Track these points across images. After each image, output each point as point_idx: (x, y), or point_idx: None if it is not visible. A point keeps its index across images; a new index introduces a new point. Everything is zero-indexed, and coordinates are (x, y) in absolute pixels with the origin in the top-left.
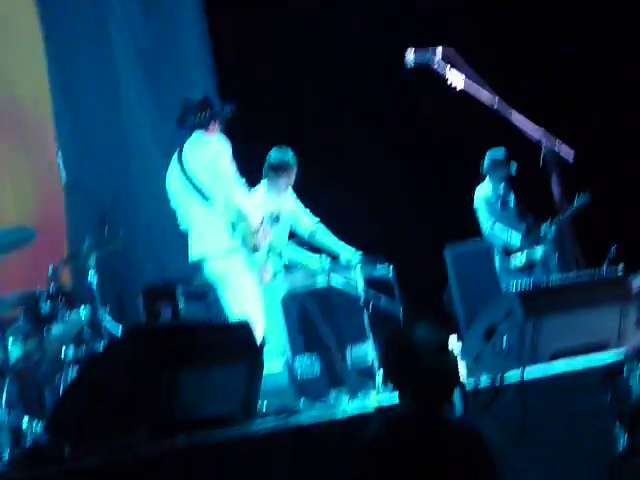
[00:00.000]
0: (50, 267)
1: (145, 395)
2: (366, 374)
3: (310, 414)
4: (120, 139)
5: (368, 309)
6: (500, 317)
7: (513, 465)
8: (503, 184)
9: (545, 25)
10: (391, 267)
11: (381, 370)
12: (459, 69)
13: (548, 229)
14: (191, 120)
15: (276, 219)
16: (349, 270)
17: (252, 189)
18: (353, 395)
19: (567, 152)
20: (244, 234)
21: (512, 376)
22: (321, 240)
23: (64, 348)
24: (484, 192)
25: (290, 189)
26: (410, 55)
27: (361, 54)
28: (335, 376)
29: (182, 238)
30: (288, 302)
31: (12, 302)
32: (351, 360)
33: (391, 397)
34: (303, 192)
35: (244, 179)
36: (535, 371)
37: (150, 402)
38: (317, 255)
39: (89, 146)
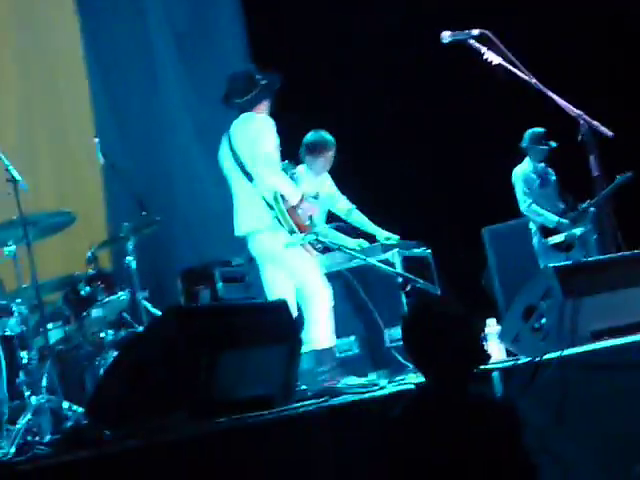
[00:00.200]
0: (89, 251)
1: (184, 377)
2: (403, 355)
3: (348, 396)
4: (157, 123)
5: (405, 290)
6: (539, 296)
7: (553, 443)
8: (543, 163)
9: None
10: (429, 250)
11: None
12: (495, 51)
13: (587, 209)
14: (238, 98)
15: (315, 198)
16: (386, 252)
17: (292, 171)
18: (392, 376)
19: (606, 130)
20: (279, 215)
21: (551, 355)
22: (358, 220)
23: (103, 332)
24: (522, 169)
25: (327, 173)
26: (446, 33)
27: (394, 37)
28: (375, 356)
29: (219, 220)
30: (330, 281)
31: (52, 286)
32: (388, 341)
33: None
34: (335, 180)
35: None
36: (574, 350)
37: (189, 384)
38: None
39: (127, 130)
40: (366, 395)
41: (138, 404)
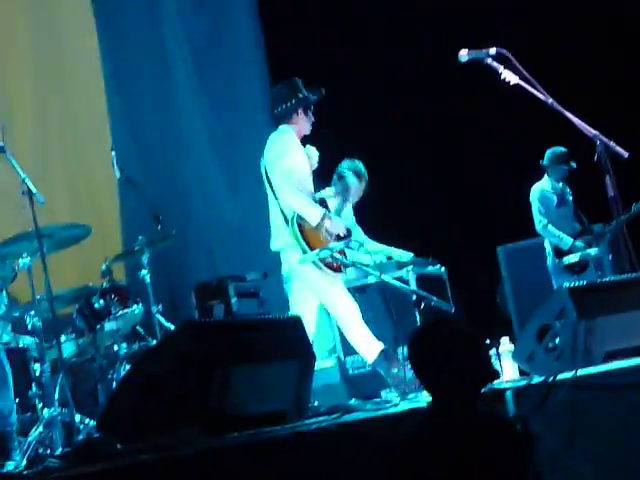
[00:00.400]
0: (103, 264)
1: (197, 391)
2: None
3: (361, 413)
4: (173, 137)
5: (420, 308)
6: (553, 316)
7: (565, 464)
8: (562, 183)
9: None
10: (443, 267)
11: None
12: (512, 69)
13: (602, 232)
14: (274, 110)
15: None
16: (401, 269)
17: (320, 191)
18: (405, 394)
19: (621, 151)
20: (291, 235)
21: (564, 375)
22: (372, 250)
23: (117, 345)
24: (540, 187)
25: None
26: (464, 52)
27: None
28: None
29: (234, 235)
30: None
31: (66, 298)
32: (402, 359)
33: None
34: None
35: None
36: (588, 370)
37: (202, 398)
38: (370, 255)
39: (143, 144)
40: (379, 412)
41: (150, 418)
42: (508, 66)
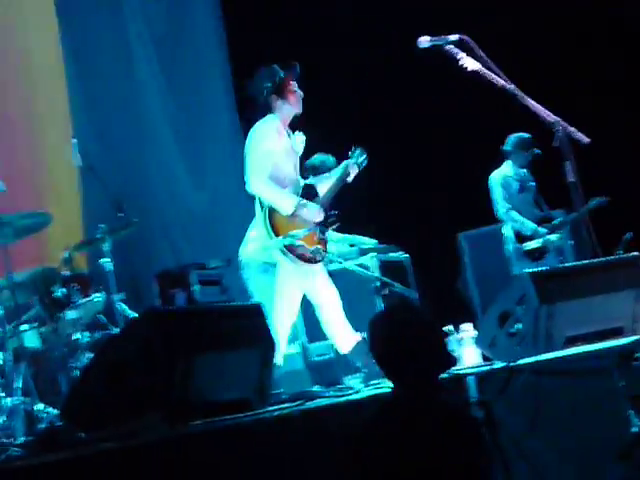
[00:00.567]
0: (65, 253)
1: (160, 379)
2: None
3: (324, 400)
4: (135, 125)
5: (382, 294)
6: (514, 302)
7: (528, 447)
8: (525, 169)
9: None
10: (406, 254)
11: None
12: (474, 57)
13: (563, 220)
14: (258, 105)
15: None
16: (363, 256)
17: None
18: (367, 381)
19: (582, 137)
20: (263, 221)
21: (526, 360)
22: (334, 239)
23: (79, 333)
24: (501, 174)
25: None
26: (424, 38)
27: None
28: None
29: (197, 222)
30: None
31: (27, 285)
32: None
33: None
34: None
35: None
36: (549, 355)
37: (165, 386)
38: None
39: (104, 132)
40: (341, 399)
41: (113, 406)
42: (470, 53)
